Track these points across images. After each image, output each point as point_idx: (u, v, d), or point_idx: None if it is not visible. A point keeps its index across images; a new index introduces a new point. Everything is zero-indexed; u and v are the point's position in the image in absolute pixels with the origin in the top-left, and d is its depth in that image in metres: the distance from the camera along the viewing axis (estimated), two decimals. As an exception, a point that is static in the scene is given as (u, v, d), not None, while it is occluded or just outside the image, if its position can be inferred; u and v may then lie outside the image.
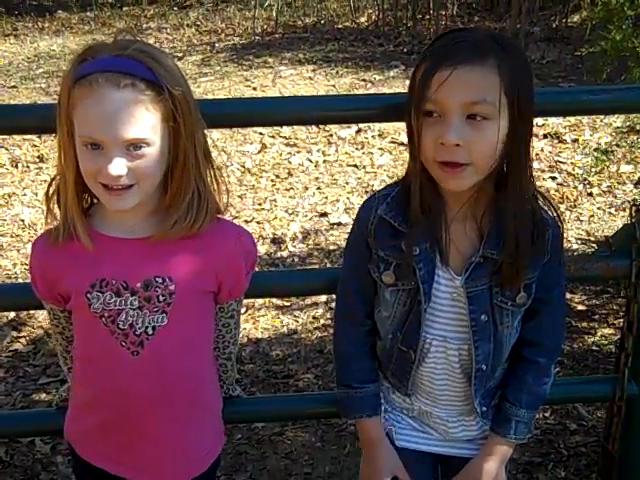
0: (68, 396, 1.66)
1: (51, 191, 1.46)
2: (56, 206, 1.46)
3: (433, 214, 1.43)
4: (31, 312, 3.48)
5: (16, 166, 5.28)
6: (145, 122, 1.33)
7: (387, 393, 1.66)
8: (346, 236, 3.89)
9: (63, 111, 1.37)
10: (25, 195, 4.86)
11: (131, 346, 1.44)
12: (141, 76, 1.32)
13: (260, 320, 3.36)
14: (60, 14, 10.23)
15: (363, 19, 8.81)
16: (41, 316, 3.45)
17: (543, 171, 5.00)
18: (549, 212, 1.47)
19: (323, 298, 3.54)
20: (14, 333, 3.34)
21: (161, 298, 1.43)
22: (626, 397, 1.82)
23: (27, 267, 3.80)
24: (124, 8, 10.36)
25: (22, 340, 3.29)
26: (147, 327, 1.44)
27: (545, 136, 5.49)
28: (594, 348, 3.05)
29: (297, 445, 2.63)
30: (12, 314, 3.46)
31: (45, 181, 5.03)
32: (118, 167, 1.32)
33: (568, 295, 3.37)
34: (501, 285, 1.44)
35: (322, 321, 3.36)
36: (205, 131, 1.45)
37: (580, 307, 3.35)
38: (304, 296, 3.41)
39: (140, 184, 1.36)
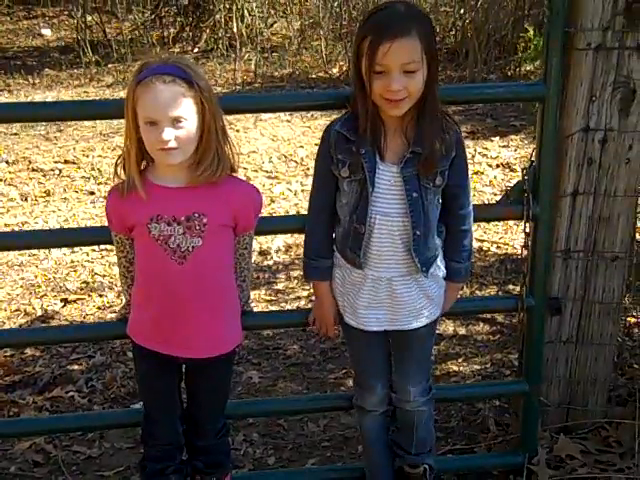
0: (124, 312, 2.30)
1: (118, 162, 2.13)
2: (120, 171, 2.12)
3: (376, 128, 2.11)
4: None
5: (26, 200, 5.83)
6: (183, 105, 2.00)
7: (348, 275, 2.26)
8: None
9: (130, 104, 2.04)
10: (37, 223, 5.40)
11: (177, 259, 2.10)
12: (179, 75, 2.00)
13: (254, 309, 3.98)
14: (48, 72, 10.73)
15: (335, 70, 9.56)
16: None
17: (495, 194, 5.69)
18: (452, 124, 2.17)
19: (305, 293, 4.19)
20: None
21: (198, 227, 2.09)
22: (526, 307, 2.49)
23: (45, 277, 4.46)
24: (109, 65, 10.92)
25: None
26: (188, 246, 2.09)
27: (498, 166, 6.19)
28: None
29: (287, 392, 3.27)
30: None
31: (54, 211, 5.65)
32: (168, 134, 1.99)
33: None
34: (424, 171, 2.12)
35: (303, 310, 3.99)
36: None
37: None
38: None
39: (182, 147, 2.02)
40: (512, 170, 6.07)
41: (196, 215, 2.09)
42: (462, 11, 9.52)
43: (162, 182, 2.11)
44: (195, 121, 2.02)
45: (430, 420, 2.47)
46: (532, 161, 2.42)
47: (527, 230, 2.43)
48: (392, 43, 1.97)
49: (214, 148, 2.06)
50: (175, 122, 1.99)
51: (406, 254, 2.19)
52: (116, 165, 2.14)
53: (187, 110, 2.00)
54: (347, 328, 2.36)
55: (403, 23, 2.00)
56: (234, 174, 2.17)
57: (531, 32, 7.02)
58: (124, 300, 2.34)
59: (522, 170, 2.41)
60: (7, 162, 6.60)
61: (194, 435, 2.36)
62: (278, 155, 6.59)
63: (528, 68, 8.98)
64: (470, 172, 2.22)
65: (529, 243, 2.45)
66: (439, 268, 2.28)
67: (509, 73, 8.95)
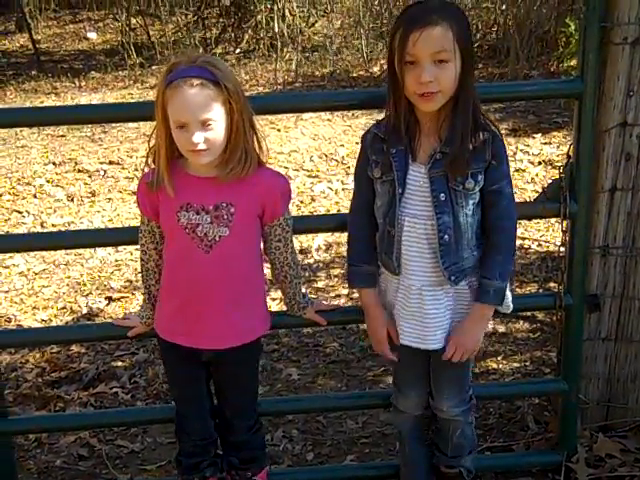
0: (146, 315, 2.36)
1: (149, 154, 2.18)
2: (151, 162, 2.18)
3: (409, 127, 2.10)
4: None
5: (72, 200, 5.97)
6: (211, 107, 2.03)
7: (389, 283, 2.22)
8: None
9: (159, 106, 2.08)
10: (82, 223, 5.53)
11: (204, 247, 2.14)
12: (207, 77, 2.03)
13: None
14: (94, 74, 10.89)
15: (376, 69, 9.55)
16: (110, 309, 4.17)
17: (537, 192, 5.64)
18: (489, 125, 2.10)
19: (345, 291, 4.21)
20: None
21: (225, 217, 2.13)
22: (564, 305, 2.48)
23: (91, 276, 4.55)
24: (153, 67, 11.05)
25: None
26: (215, 235, 2.13)
27: (540, 163, 6.14)
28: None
29: (326, 389, 3.30)
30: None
31: (98, 211, 5.77)
32: (197, 137, 2.03)
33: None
34: (452, 172, 2.06)
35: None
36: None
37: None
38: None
39: (211, 148, 2.06)
40: (554, 167, 6.00)
41: (224, 205, 2.13)
42: (504, 7, 9.44)
43: (193, 171, 2.16)
44: (223, 122, 2.06)
45: (468, 427, 2.41)
46: (569, 157, 2.40)
47: (564, 228, 2.42)
48: (422, 31, 1.95)
49: (242, 146, 2.10)
50: (204, 124, 2.03)
51: (435, 261, 2.12)
52: (147, 157, 2.19)
53: (216, 112, 2.04)
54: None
55: (435, 14, 1.98)
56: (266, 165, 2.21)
57: (572, 27, 6.93)
58: (147, 304, 2.37)
59: (559, 168, 2.40)
60: (54, 163, 6.74)
61: (225, 431, 2.40)
62: (319, 154, 6.61)
63: (571, 63, 8.87)
64: (511, 170, 2.16)
65: (567, 240, 2.44)
66: (474, 285, 2.18)
67: (552, 69, 8.86)
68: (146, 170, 2.20)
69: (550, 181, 5.72)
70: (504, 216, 2.14)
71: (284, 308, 2.44)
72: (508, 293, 2.24)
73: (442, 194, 2.08)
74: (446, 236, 2.09)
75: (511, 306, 2.26)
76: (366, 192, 2.22)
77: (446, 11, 2.01)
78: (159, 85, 2.09)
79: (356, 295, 4.10)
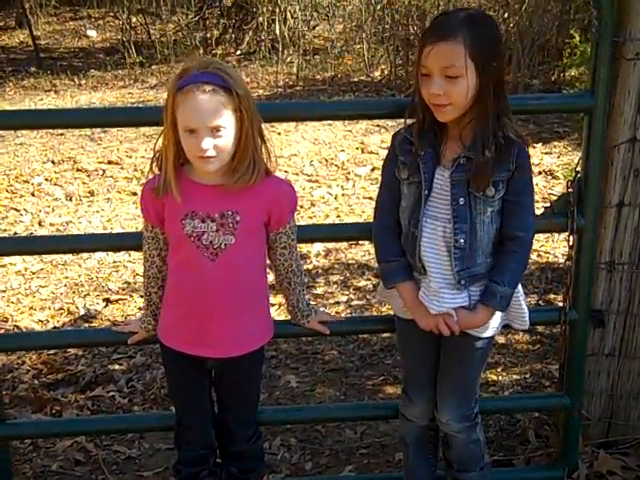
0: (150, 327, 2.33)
1: (154, 159, 2.16)
2: (155, 168, 2.15)
3: (434, 131, 2.12)
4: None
5: (70, 199, 5.94)
6: (222, 114, 2.02)
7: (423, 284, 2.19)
8: (362, 254, 4.63)
9: (169, 111, 2.07)
10: (81, 223, 5.51)
11: (210, 255, 2.12)
12: (218, 84, 2.01)
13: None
14: (93, 73, 10.85)
15: (377, 73, 9.55)
16: (108, 311, 4.14)
17: (537, 201, 5.63)
18: (516, 137, 2.08)
19: (344, 298, 4.19)
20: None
21: (231, 225, 2.11)
22: (568, 321, 2.47)
23: (88, 277, 4.52)
24: (153, 66, 11.01)
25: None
26: (221, 243, 2.12)
27: (540, 173, 6.12)
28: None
29: (325, 398, 3.28)
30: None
31: (97, 211, 5.73)
32: (207, 143, 2.01)
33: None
34: (474, 179, 2.06)
35: (342, 314, 3.99)
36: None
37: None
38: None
39: (220, 155, 2.05)
40: (555, 177, 6.02)
41: (230, 213, 2.11)
42: (506, 15, 9.43)
43: (198, 179, 2.14)
44: (233, 129, 2.04)
45: (473, 444, 2.37)
46: (577, 172, 2.39)
47: (571, 242, 2.41)
48: (434, 46, 1.98)
49: (250, 154, 2.08)
50: (214, 131, 2.01)
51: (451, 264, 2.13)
52: (152, 162, 2.17)
53: (226, 119, 2.02)
54: (402, 329, 2.34)
55: (450, 27, 1.99)
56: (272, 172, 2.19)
57: (577, 38, 6.93)
58: (147, 310, 2.34)
59: (567, 182, 2.38)
60: (53, 162, 6.72)
61: (226, 440, 2.38)
62: (319, 159, 6.60)
63: (573, 74, 8.87)
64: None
65: (573, 255, 2.43)
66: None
67: (553, 78, 8.86)
68: (150, 176, 2.18)
69: (552, 191, 5.74)
70: (521, 227, 2.14)
71: (283, 316, 2.42)
72: (525, 307, 2.25)
73: (462, 199, 2.09)
74: (461, 240, 2.10)
75: (528, 322, 2.26)
76: (394, 193, 2.22)
77: (465, 25, 1.99)
78: (169, 90, 2.07)
79: (355, 302, 4.13)
